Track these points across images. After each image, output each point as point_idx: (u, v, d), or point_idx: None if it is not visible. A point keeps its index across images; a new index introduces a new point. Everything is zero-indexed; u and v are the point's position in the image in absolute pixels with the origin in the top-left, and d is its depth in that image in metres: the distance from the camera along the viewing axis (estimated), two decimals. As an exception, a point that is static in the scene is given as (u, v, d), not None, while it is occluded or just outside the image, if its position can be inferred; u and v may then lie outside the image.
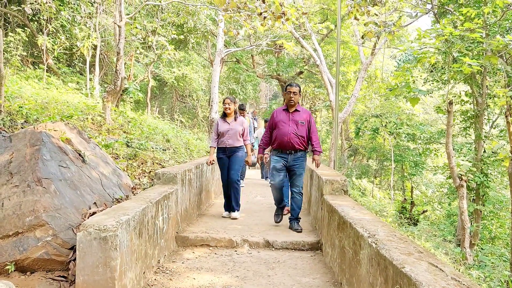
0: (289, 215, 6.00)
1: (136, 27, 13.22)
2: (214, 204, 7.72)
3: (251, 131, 9.94)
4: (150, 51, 15.72)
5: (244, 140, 6.43)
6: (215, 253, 4.87)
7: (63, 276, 3.32)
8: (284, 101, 6.17)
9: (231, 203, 6.44)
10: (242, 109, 8.82)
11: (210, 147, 6.42)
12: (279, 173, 5.71)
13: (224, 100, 6.42)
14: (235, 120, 6.39)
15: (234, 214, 6.43)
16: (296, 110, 5.68)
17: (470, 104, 14.26)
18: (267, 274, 4.18)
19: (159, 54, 15.20)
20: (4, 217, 3.44)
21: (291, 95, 5.57)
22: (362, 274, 3.04)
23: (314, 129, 5.70)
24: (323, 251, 4.89)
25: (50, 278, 3.29)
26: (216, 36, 16.12)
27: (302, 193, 5.79)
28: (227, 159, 6.35)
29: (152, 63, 15.80)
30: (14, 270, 3.30)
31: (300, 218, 5.88)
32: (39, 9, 11.35)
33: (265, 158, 6.14)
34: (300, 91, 5.72)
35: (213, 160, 6.31)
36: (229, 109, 6.31)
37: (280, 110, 5.79)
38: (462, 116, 14.57)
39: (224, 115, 6.43)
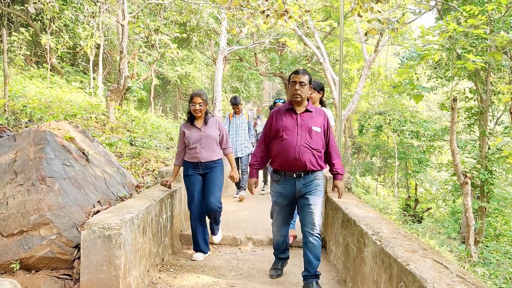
0: (297, 258, 4.34)
1: (139, 26, 13.23)
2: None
3: (250, 127, 8.34)
4: (153, 49, 15.73)
5: (224, 149, 4.62)
6: (219, 251, 4.87)
7: (67, 275, 3.33)
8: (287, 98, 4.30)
9: (199, 240, 4.59)
10: (235, 103, 7.88)
11: (174, 166, 4.62)
12: (284, 209, 3.82)
13: (191, 98, 4.42)
14: (206, 123, 4.47)
15: (216, 238, 4.95)
16: (306, 111, 3.67)
17: (474, 100, 14.18)
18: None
19: (162, 52, 15.21)
20: (9, 216, 3.45)
21: (297, 87, 3.58)
22: (366, 271, 3.03)
23: (332, 139, 3.79)
24: (327, 248, 4.88)
25: (54, 277, 3.30)
26: (219, 34, 16.12)
27: (320, 237, 3.62)
28: (200, 178, 4.47)
29: (155, 61, 15.81)
30: (19, 269, 3.32)
31: (320, 274, 3.71)
32: (43, 9, 11.37)
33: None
34: (311, 82, 3.71)
35: (167, 182, 4.53)
36: (199, 110, 4.38)
37: (282, 110, 3.74)
38: (466, 113, 14.50)
39: (191, 118, 4.50)
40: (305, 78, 3.62)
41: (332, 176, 3.83)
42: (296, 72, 3.66)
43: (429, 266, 2.18)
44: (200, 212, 4.51)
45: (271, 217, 4.15)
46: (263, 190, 8.84)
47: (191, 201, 4.49)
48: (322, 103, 4.96)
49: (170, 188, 4.55)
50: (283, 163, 3.60)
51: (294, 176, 3.61)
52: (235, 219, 6.28)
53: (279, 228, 3.94)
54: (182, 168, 4.61)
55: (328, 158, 3.75)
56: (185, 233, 5.14)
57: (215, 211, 4.51)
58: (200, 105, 4.38)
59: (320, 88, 4.92)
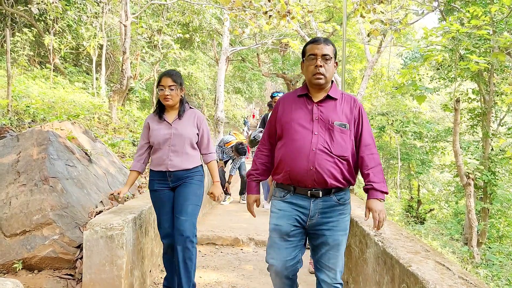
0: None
1: (142, 27, 13.26)
2: (219, 203, 7.73)
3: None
4: (155, 50, 15.76)
5: (204, 155, 3.38)
6: (221, 252, 4.87)
7: (70, 274, 3.33)
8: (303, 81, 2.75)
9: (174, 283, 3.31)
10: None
11: (130, 171, 3.35)
12: (287, 243, 2.47)
13: (159, 80, 3.23)
14: (180, 117, 3.25)
15: None
16: (328, 98, 2.46)
17: (477, 101, 14.15)
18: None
19: (165, 53, 15.23)
20: (12, 216, 3.46)
21: (319, 62, 2.38)
22: (368, 272, 3.03)
23: (368, 137, 2.47)
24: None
25: (57, 277, 3.31)
26: (221, 35, 16.13)
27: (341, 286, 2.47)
28: (170, 193, 3.25)
29: (158, 62, 15.84)
30: (21, 269, 3.33)
31: None
32: (46, 9, 11.41)
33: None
34: (335, 55, 2.49)
35: (119, 193, 3.22)
36: (170, 97, 3.17)
37: (293, 97, 2.55)
38: (469, 114, 14.47)
39: (161, 109, 3.29)
40: (329, 49, 2.38)
41: (365, 193, 2.43)
42: (316, 41, 2.40)
43: (431, 268, 2.17)
44: (171, 240, 3.22)
45: (266, 259, 2.54)
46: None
47: (161, 224, 3.27)
48: None
49: (123, 202, 3.29)
50: (291, 174, 2.37)
51: (308, 194, 2.37)
52: (237, 219, 6.28)
53: (280, 275, 2.50)
54: (148, 180, 3.42)
55: (359, 165, 2.43)
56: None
57: (184, 239, 3.07)
58: (171, 89, 3.13)
59: None
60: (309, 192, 2.37)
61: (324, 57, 2.37)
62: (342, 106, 2.43)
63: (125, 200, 3.16)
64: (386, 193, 2.35)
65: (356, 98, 2.51)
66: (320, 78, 2.37)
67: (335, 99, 2.43)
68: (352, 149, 2.39)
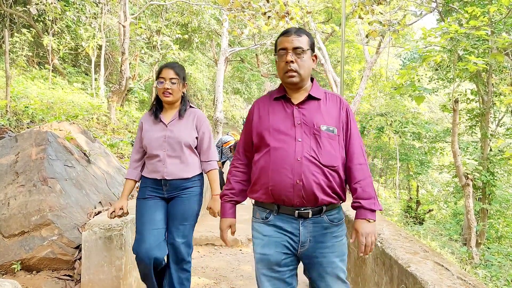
0: None
1: (141, 27, 13.26)
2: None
3: None
4: (154, 50, 15.77)
5: (204, 163, 2.94)
6: (220, 252, 4.87)
7: (68, 275, 3.33)
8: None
9: None
10: None
11: (125, 179, 2.95)
12: (279, 274, 2.07)
13: (159, 71, 2.83)
14: (181, 116, 2.86)
15: None
16: (310, 98, 2.08)
17: (476, 102, 14.18)
18: None
19: (164, 53, 15.24)
20: (10, 217, 3.46)
21: (289, 57, 2.00)
22: (367, 273, 3.03)
23: (357, 143, 2.09)
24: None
25: (55, 277, 3.31)
26: (220, 36, 16.14)
27: None
28: (163, 202, 2.87)
29: (157, 62, 15.83)
30: (20, 269, 3.33)
31: None
32: (45, 10, 11.40)
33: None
34: (312, 47, 2.09)
35: (121, 209, 2.82)
36: (170, 91, 2.78)
37: (268, 100, 2.16)
38: (468, 115, 14.50)
39: (158, 107, 2.91)
40: (302, 41, 2.01)
41: (353, 210, 2.07)
42: (286, 33, 2.04)
43: (430, 268, 2.17)
44: (156, 256, 2.67)
45: None
46: None
47: (139, 243, 2.70)
48: None
49: (126, 215, 2.87)
50: (274, 192, 1.96)
51: (296, 215, 1.97)
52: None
53: None
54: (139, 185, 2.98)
55: (347, 177, 2.07)
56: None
57: (181, 263, 2.83)
58: (172, 83, 2.75)
59: None
60: (296, 212, 1.96)
61: (296, 50, 1.99)
62: (327, 107, 2.05)
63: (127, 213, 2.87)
64: (380, 209, 2.01)
65: (342, 97, 2.14)
66: (293, 76, 1.99)
67: (318, 99, 2.06)
68: (342, 158, 2.02)
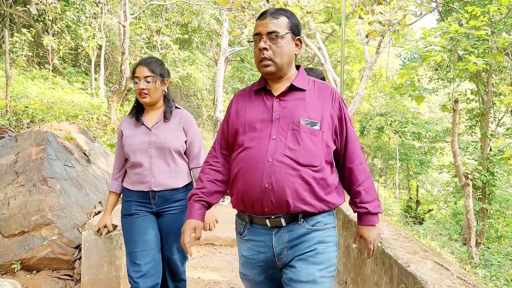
0: None
1: (141, 27, 13.26)
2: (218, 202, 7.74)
3: None
4: (154, 50, 15.76)
5: (194, 170, 2.61)
6: (220, 252, 4.87)
7: (68, 275, 3.33)
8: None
9: None
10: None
11: (109, 193, 2.65)
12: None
13: (133, 70, 2.53)
14: (166, 118, 2.55)
15: None
16: (293, 89, 1.79)
17: (475, 102, 14.19)
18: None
19: (164, 53, 15.23)
20: (10, 216, 3.46)
21: (262, 44, 1.72)
22: (367, 273, 3.03)
23: (353, 141, 1.83)
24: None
25: (55, 277, 3.31)
26: (220, 36, 16.14)
27: None
28: (153, 217, 2.55)
29: (157, 62, 15.81)
30: (20, 269, 3.33)
31: None
32: (45, 10, 11.40)
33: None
34: (295, 30, 1.78)
35: (105, 227, 2.63)
36: (146, 91, 2.47)
37: (248, 93, 1.90)
38: (468, 115, 14.51)
39: (139, 109, 2.60)
40: (278, 24, 1.73)
41: (356, 215, 1.88)
42: (261, 16, 1.78)
43: (430, 268, 2.18)
44: (155, 283, 2.45)
45: None
46: None
47: (131, 266, 2.44)
48: None
49: (113, 230, 2.67)
50: (243, 197, 1.73)
51: (268, 225, 1.72)
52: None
53: None
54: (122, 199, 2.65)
55: (346, 179, 1.84)
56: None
57: (178, 282, 2.65)
58: (147, 82, 2.44)
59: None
60: (267, 220, 1.69)
61: (270, 35, 1.71)
62: (313, 98, 1.76)
63: (114, 227, 2.64)
64: (377, 214, 1.82)
65: (335, 89, 1.85)
66: (267, 65, 1.73)
67: (303, 90, 1.78)
68: (327, 156, 1.71)
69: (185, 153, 2.57)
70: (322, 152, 1.70)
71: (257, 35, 1.75)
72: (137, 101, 2.57)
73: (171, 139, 2.49)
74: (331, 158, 1.75)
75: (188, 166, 2.61)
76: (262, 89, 1.83)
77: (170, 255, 2.54)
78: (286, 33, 1.74)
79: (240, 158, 1.76)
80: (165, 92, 2.58)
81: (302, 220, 1.70)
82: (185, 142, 2.55)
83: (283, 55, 1.74)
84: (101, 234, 2.63)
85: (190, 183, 2.62)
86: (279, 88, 1.80)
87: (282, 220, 1.69)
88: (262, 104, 1.79)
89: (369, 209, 1.78)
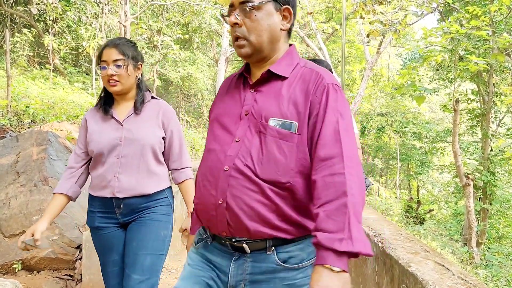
0: None
1: (142, 27, 13.27)
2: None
3: None
4: (155, 50, 15.77)
5: (174, 171, 2.23)
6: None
7: (69, 275, 3.33)
8: None
9: None
10: None
11: (53, 195, 2.13)
12: None
13: (100, 53, 2.08)
14: (137, 109, 2.10)
15: None
16: (271, 76, 1.35)
17: (476, 102, 14.18)
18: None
19: (164, 53, 15.25)
20: (11, 216, 3.46)
21: (231, 18, 1.32)
22: (367, 273, 3.03)
23: (331, 142, 1.21)
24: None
25: (56, 277, 3.31)
26: (221, 36, 16.15)
27: None
28: (120, 233, 2.13)
29: (158, 62, 15.84)
30: (21, 269, 3.33)
31: None
32: (45, 10, 11.41)
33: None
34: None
35: (32, 235, 1.93)
36: (117, 77, 2.03)
37: (233, 78, 1.51)
38: (469, 115, 14.50)
39: (107, 99, 2.16)
40: None
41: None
42: None
43: (431, 268, 2.17)
44: None
45: None
46: None
47: (104, 281, 2.18)
48: None
49: (37, 245, 1.97)
50: (198, 212, 1.43)
51: (228, 246, 1.36)
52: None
53: None
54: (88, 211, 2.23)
55: (312, 196, 1.23)
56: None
57: None
58: (117, 66, 2.01)
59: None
60: (228, 242, 1.33)
61: (242, 6, 1.32)
62: (292, 89, 1.31)
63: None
64: (356, 254, 1.10)
65: (325, 74, 1.32)
66: (241, 46, 1.34)
67: (283, 78, 1.34)
68: (304, 167, 1.28)
69: (163, 152, 2.17)
70: (296, 163, 1.26)
71: (231, 7, 1.36)
72: (105, 90, 2.15)
73: (146, 135, 2.06)
74: (308, 170, 1.29)
75: (167, 168, 2.22)
76: (243, 74, 1.45)
77: (129, 277, 1.99)
78: (264, 2, 1.31)
79: (201, 163, 1.43)
80: (139, 79, 2.14)
81: (273, 249, 1.29)
82: (163, 139, 2.14)
83: (261, 31, 1.31)
84: (25, 247, 1.94)
85: (168, 189, 2.19)
86: (257, 74, 1.40)
87: (246, 246, 1.30)
88: (237, 95, 1.41)
89: (319, 239, 1.11)
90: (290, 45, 1.44)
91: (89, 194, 2.16)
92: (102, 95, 2.15)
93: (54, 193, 2.11)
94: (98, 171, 2.08)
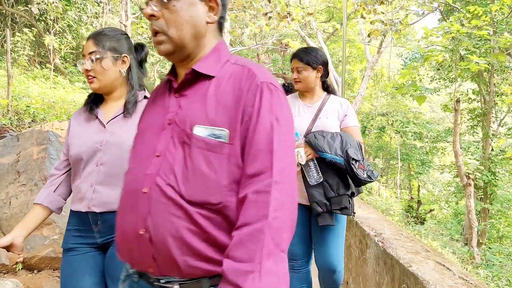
0: None
1: (142, 27, 13.26)
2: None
3: None
4: (156, 50, 15.77)
5: None
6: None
7: (70, 275, 3.33)
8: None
9: None
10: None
11: (34, 205, 1.86)
12: None
13: (85, 47, 1.71)
14: (127, 112, 1.73)
15: None
16: (196, 76, 1.13)
17: (477, 102, 14.19)
18: (273, 273, 4.16)
19: (165, 53, 15.22)
20: (12, 216, 3.46)
21: (147, 9, 1.11)
22: (368, 273, 3.03)
23: (260, 149, 1.02)
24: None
25: (57, 276, 3.31)
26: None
27: None
28: (96, 257, 1.74)
29: (158, 62, 15.84)
30: (21, 269, 3.33)
31: None
32: (46, 9, 11.42)
33: None
34: None
35: (5, 248, 1.75)
36: (93, 73, 1.71)
37: (164, 81, 1.26)
38: (470, 114, 14.50)
39: (96, 98, 1.82)
40: None
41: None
42: None
43: (432, 268, 2.17)
44: None
45: None
46: None
47: None
48: (327, 89, 2.60)
49: (20, 256, 1.84)
50: (120, 245, 1.15)
51: (153, 284, 1.08)
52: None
53: None
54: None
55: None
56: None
57: None
58: (91, 60, 1.71)
59: (317, 62, 2.47)
60: (156, 284, 1.07)
61: None
62: (221, 91, 1.10)
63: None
64: None
65: (259, 72, 1.11)
66: (160, 42, 1.14)
67: (209, 78, 1.13)
68: (239, 185, 1.05)
69: None
70: (229, 179, 1.04)
71: None
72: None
73: (129, 139, 1.47)
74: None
75: None
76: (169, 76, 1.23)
77: None
78: None
79: (123, 185, 1.18)
80: (122, 73, 1.77)
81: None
82: None
83: (181, 24, 1.11)
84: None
85: None
86: (182, 75, 1.18)
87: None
88: (162, 102, 1.19)
89: (224, 268, 0.95)
90: (221, 41, 1.22)
91: (71, 209, 1.82)
92: (91, 93, 1.86)
93: (34, 204, 1.86)
94: (76, 181, 1.75)
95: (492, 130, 13.58)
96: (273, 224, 0.95)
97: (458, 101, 8.46)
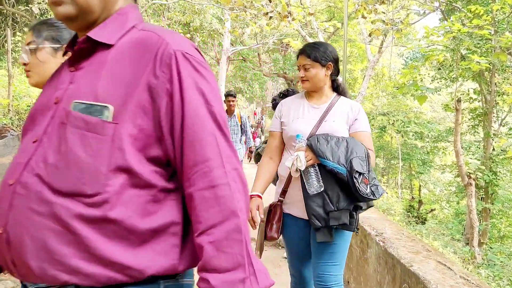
0: None
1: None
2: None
3: (238, 133, 6.19)
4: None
5: None
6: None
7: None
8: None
9: None
10: (231, 95, 6.07)
11: None
12: None
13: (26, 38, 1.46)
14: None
15: None
16: (97, 46, 0.93)
17: (478, 101, 14.17)
18: (273, 272, 4.17)
19: (166, 53, 15.25)
20: (12, 215, 3.47)
21: None
22: (369, 273, 3.02)
23: (199, 137, 0.87)
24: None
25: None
26: (222, 35, 16.16)
27: None
28: None
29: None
30: (22, 268, 3.33)
31: None
32: (47, 9, 11.43)
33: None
34: None
35: None
36: (27, 68, 1.48)
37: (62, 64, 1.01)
38: (471, 114, 14.49)
39: None
40: None
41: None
42: None
43: (433, 268, 2.17)
44: None
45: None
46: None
47: None
48: (337, 89, 2.32)
49: None
50: None
51: None
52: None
53: None
54: None
55: (190, 219, 0.89)
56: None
57: None
58: (29, 46, 1.46)
59: (327, 58, 2.19)
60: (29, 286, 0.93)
61: None
62: (118, 61, 0.92)
63: None
64: None
65: (172, 39, 0.95)
66: (59, 3, 0.93)
67: (107, 47, 0.94)
68: (128, 175, 0.87)
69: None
70: (110, 166, 0.85)
71: None
72: None
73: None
74: (149, 175, 0.88)
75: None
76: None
77: None
78: None
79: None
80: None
81: None
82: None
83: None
84: None
85: None
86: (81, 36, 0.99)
87: None
88: (57, 78, 1.01)
89: (213, 285, 0.83)
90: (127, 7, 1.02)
91: None
92: None
93: None
94: None
95: (493, 130, 13.57)
96: (242, 217, 0.86)
97: (459, 100, 8.45)
